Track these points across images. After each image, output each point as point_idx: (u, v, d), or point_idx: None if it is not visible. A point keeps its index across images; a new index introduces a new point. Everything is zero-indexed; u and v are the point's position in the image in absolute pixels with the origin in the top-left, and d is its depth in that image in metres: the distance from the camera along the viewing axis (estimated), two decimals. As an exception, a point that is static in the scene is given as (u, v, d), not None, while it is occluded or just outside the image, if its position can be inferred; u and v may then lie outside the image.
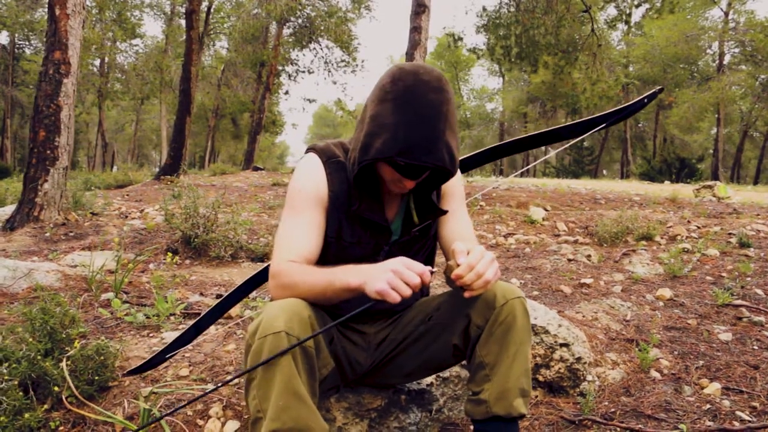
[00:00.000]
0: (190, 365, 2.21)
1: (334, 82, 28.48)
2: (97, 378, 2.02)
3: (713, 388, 2.21)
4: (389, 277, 1.24)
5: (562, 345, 2.24)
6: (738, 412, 2.02)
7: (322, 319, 1.46)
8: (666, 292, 3.34)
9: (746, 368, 2.39)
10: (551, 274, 3.89)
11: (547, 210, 6.65)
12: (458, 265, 1.28)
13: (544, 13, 12.15)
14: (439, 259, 1.99)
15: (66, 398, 1.92)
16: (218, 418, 1.89)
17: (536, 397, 2.20)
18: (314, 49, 21.95)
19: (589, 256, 4.40)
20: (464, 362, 1.69)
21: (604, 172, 46.41)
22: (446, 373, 2.01)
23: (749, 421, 1.97)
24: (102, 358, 2.06)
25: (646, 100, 1.67)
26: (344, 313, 1.39)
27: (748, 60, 26.44)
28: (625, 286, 3.55)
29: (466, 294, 1.30)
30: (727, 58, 27.98)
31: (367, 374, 1.69)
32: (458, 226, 1.63)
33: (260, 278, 2.02)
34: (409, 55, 8.79)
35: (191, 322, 2.26)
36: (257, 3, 18.81)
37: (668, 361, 2.48)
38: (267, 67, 22.03)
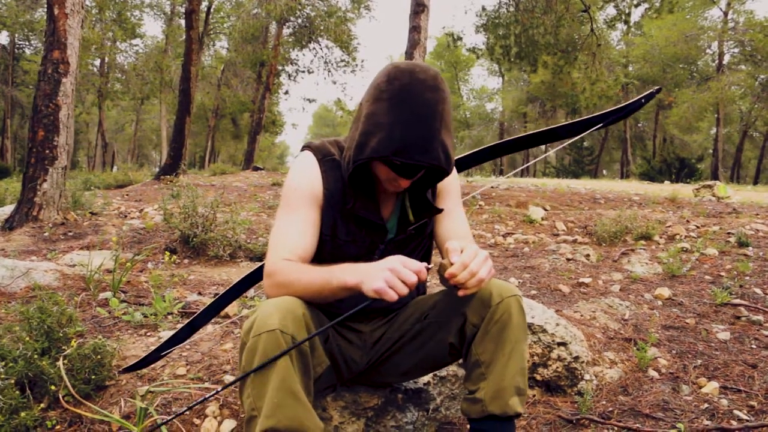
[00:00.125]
0: (187, 364, 2.21)
1: (334, 82, 28.53)
2: (94, 377, 2.02)
3: (711, 387, 2.21)
4: (387, 275, 1.24)
5: (559, 344, 2.24)
6: (736, 411, 2.02)
7: (317, 317, 1.46)
8: (664, 292, 3.33)
9: (744, 367, 2.39)
10: (550, 273, 3.89)
11: (546, 210, 6.65)
12: (451, 264, 1.27)
13: (543, 13, 12.15)
14: (436, 257, 1.99)
15: (63, 397, 1.92)
16: (215, 417, 1.89)
17: (534, 396, 2.20)
18: (314, 48, 21.97)
19: (588, 255, 4.39)
20: (461, 361, 1.69)
21: (604, 172, 46.41)
22: (443, 372, 2.01)
23: (747, 420, 1.97)
24: (99, 357, 2.06)
25: (643, 100, 1.66)
26: (340, 311, 1.39)
27: (747, 60, 26.44)
28: (624, 286, 3.55)
29: (460, 293, 1.30)
30: (726, 58, 27.98)
31: (363, 373, 1.69)
32: (454, 225, 1.63)
33: (255, 277, 2.01)
34: (409, 55, 8.79)
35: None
36: (257, 3, 18.82)
37: (666, 360, 2.48)
38: (267, 67, 22.04)
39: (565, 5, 12.18)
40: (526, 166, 2.03)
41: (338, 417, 1.75)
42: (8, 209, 5.87)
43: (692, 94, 26.31)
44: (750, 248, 4.35)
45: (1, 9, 22.44)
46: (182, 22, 23.19)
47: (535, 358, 2.22)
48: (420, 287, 1.73)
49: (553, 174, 38.33)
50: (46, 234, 4.97)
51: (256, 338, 1.26)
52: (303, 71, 23.90)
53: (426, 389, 1.94)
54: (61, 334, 2.09)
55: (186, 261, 4.24)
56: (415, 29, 8.77)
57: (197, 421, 1.88)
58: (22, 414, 1.77)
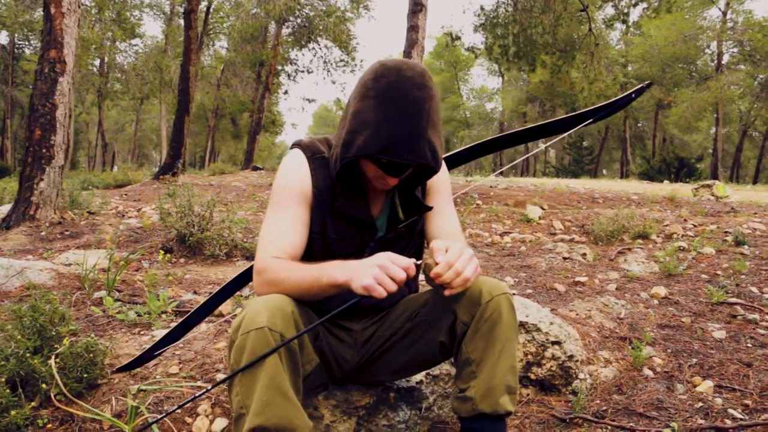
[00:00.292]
0: (180, 363, 2.20)
1: (333, 82, 28.54)
2: (86, 375, 2.01)
3: (706, 386, 2.20)
4: (375, 272, 1.24)
5: (553, 343, 2.23)
6: (730, 410, 2.01)
7: (306, 315, 1.45)
8: (660, 290, 3.33)
9: (739, 366, 2.38)
10: (546, 272, 3.88)
11: (543, 209, 6.64)
12: (436, 264, 1.27)
13: (541, 12, 12.14)
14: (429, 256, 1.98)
15: (55, 396, 1.91)
16: (206, 416, 1.88)
17: (528, 395, 2.19)
18: (313, 48, 21.98)
19: (585, 254, 4.39)
20: (452, 359, 1.69)
21: (604, 171, 46.41)
22: (436, 371, 2.00)
23: (741, 419, 1.96)
24: (91, 355, 2.05)
25: (633, 95, 1.66)
26: (329, 309, 1.38)
27: (746, 59, 26.43)
28: (620, 285, 3.54)
29: (446, 292, 1.29)
30: (725, 58, 27.98)
31: (354, 371, 1.69)
32: (444, 222, 1.62)
33: (249, 275, 2.01)
34: (407, 54, 8.78)
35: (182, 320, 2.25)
36: (256, 3, 18.82)
37: (661, 359, 2.47)
38: (266, 67, 22.04)
39: (564, 5, 12.17)
40: (511, 165, 2.03)
41: (329, 416, 1.74)
42: (5, 208, 5.86)
43: (691, 94, 26.30)
44: (747, 247, 4.34)
45: (0, 9, 22.44)
46: (182, 22, 23.20)
47: (529, 356, 2.21)
48: (411, 285, 1.73)
49: (552, 174, 38.34)
50: (43, 233, 4.97)
51: (244, 336, 1.26)
52: (302, 71, 23.92)
53: (419, 388, 1.94)
54: (54, 333, 2.09)
55: (182, 260, 4.23)
56: (413, 29, 8.77)
57: (189, 420, 1.88)
58: (13, 413, 1.76)
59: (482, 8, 14.01)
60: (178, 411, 1.91)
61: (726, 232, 4.97)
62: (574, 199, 8.07)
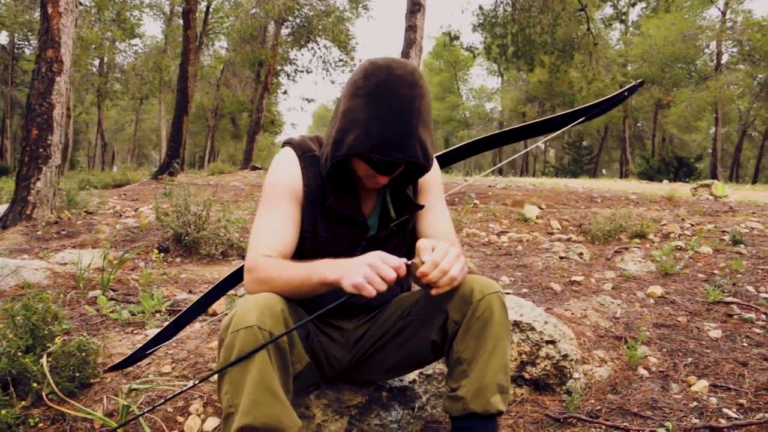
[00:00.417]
0: (173, 362, 2.20)
1: (333, 82, 28.54)
2: (78, 375, 2.01)
3: (701, 385, 2.19)
4: (365, 271, 1.23)
5: (548, 342, 2.22)
6: (725, 410, 2.00)
7: (296, 313, 1.44)
8: (657, 290, 3.32)
9: (735, 365, 2.37)
10: (542, 271, 3.87)
11: (541, 208, 6.63)
12: (423, 263, 1.26)
13: (540, 12, 12.13)
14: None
15: (46, 395, 1.91)
16: (198, 415, 1.88)
17: (522, 394, 2.18)
18: (312, 48, 21.97)
19: (581, 253, 4.38)
20: (444, 358, 1.68)
21: (604, 171, 46.42)
22: (429, 370, 1.99)
23: (736, 419, 1.95)
24: (83, 354, 2.05)
25: (626, 93, 1.65)
26: (320, 307, 1.38)
27: (745, 59, 26.43)
28: (616, 284, 3.53)
29: (433, 291, 1.29)
30: (724, 58, 27.98)
31: (346, 371, 1.68)
32: (436, 220, 1.61)
33: (240, 275, 2.00)
34: (405, 54, 8.77)
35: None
36: (255, 2, 18.81)
37: (656, 358, 2.46)
38: (265, 67, 22.03)
39: (562, 4, 12.17)
40: (499, 165, 2.01)
41: (321, 415, 1.73)
42: (2, 208, 5.85)
43: (691, 94, 26.31)
44: (744, 246, 4.34)
45: (0, 9, 22.43)
46: (181, 22, 23.20)
47: (524, 356, 2.20)
48: (403, 284, 1.72)
49: (552, 173, 38.35)
50: (39, 233, 4.96)
51: (233, 335, 1.26)
52: (301, 71, 23.91)
53: (411, 387, 1.93)
54: (46, 332, 2.08)
55: (178, 260, 4.23)
56: (411, 28, 8.76)
57: (180, 419, 1.87)
58: (3, 412, 1.76)
59: (481, 8, 14.02)
60: (170, 410, 1.90)
61: (724, 231, 4.96)
62: (573, 198, 8.07)
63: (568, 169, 38.39)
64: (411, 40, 8.77)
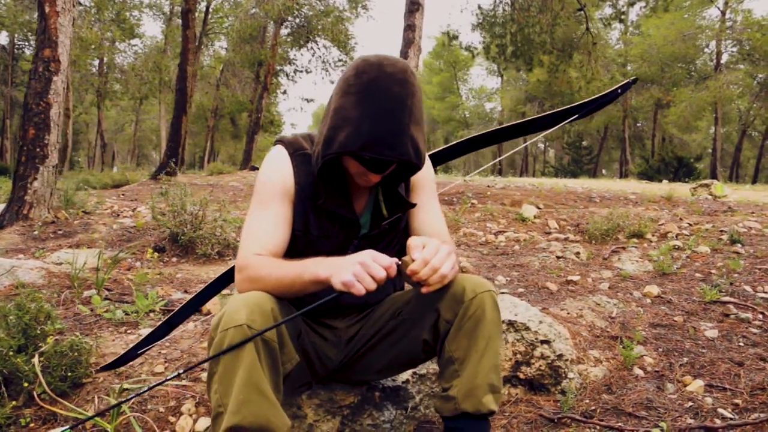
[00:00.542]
0: (165, 362, 2.19)
1: (332, 82, 28.43)
2: (70, 374, 2.00)
3: (696, 385, 2.18)
4: (356, 269, 1.23)
5: (543, 342, 2.21)
6: (720, 410, 1.99)
7: (287, 312, 1.43)
8: (653, 289, 3.31)
9: (731, 365, 2.36)
10: (539, 271, 3.86)
11: (539, 208, 6.62)
12: (413, 261, 1.25)
13: (539, 12, 12.12)
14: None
15: (38, 395, 1.90)
16: (190, 415, 1.87)
17: (516, 394, 2.17)
18: (312, 48, 21.97)
19: (578, 253, 4.37)
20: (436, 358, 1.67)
21: (603, 171, 46.41)
22: (423, 370, 1.98)
23: (731, 419, 1.94)
24: (76, 354, 2.04)
25: (619, 91, 1.64)
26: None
27: (745, 59, 26.43)
28: (613, 283, 3.52)
29: (424, 290, 1.28)
30: (724, 57, 27.98)
31: (338, 370, 1.67)
32: (429, 219, 1.61)
33: (232, 274, 1.99)
34: (403, 54, 8.77)
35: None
36: (255, 2, 18.81)
37: (652, 358, 2.45)
38: (265, 67, 22.03)
39: (561, 4, 12.16)
40: (491, 164, 2.00)
41: (313, 415, 1.72)
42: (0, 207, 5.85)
43: (690, 94, 26.30)
44: (742, 246, 4.32)
45: (0, 9, 22.44)
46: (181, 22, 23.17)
47: (518, 356, 2.19)
48: (396, 284, 1.71)
49: (551, 174, 38.34)
50: (36, 232, 4.95)
51: (223, 333, 1.25)
52: (301, 71, 23.92)
53: (405, 387, 1.92)
54: (39, 332, 2.07)
55: (174, 259, 4.22)
56: (410, 28, 8.75)
57: (172, 419, 1.87)
58: (-7, 411, 1.75)
59: (480, 7, 14.02)
60: (161, 410, 1.90)
61: (722, 231, 4.95)
62: (571, 198, 8.06)
63: (567, 169, 38.38)
64: (409, 40, 8.77)
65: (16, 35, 27.74)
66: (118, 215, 6.16)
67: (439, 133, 48.75)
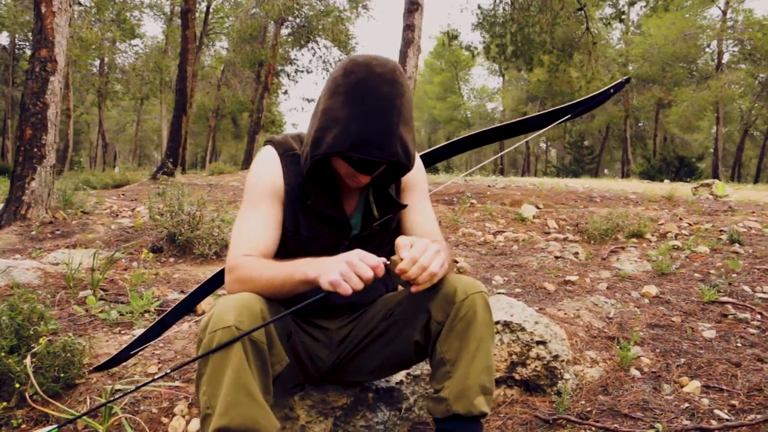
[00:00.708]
0: (159, 362, 2.18)
1: (333, 82, 28.43)
2: (63, 375, 1.99)
3: (693, 386, 2.16)
4: (343, 268, 1.22)
5: (538, 343, 2.20)
6: (716, 411, 1.98)
7: (276, 313, 1.42)
8: (652, 290, 3.29)
9: (728, 366, 2.35)
10: (537, 271, 3.85)
11: (539, 208, 6.60)
12: (402, 260, 1.24)
13: (539, 11, 12.10)
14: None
15: (30, 396, 1.89)
16: (183, 416, 1.86)
17: (512, 395, 2.16)
18: (312, 48, 21.98)
19: (577, 253, 4.35)
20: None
21: (605, 171, 46.37)
22: (417, 371, 1.97)
23: (727, 420, 1.93)
24: (69, 355, 2.03)
25: (612, 91, 1.63)
26: (303, 307, 1.36)
27: (747, 58, 26.37)
28: (611, 284, 3.51)
29: (413, 289, 1.27)
30: (725, 57, 27.93)
31: (330, 371, 1.66)
32: (420, 219, 1.59)
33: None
34: (403, 54, 8.76)
35: (161, 319, 2.23)
36: (255, 3, 18.81)
37: (649, 359, 2.44)
38: (265, 67, 22.03)
39: (561, 4, 12.13)
40: (482, 165, 1.99)
41: (305, 416, 1.71)
42: (-2, 208, 5.84)
43: (692, 93, 26.26)
44: (741, 246, 4.31)
45: (0, 9, 22.46)
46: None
47: (514, 356, 2.18)
48: (389, 284, 1.70)
49: (553, 173, 38.31)
50: (33, 232, 4.94)
51: (211, 335, 1.25)
52: (302, 71, 23.93)
53: (398, 388, 1.91)
54: (32, 332, 2.06)
55: (172, 259, 4.21)
56: (409, 27, 8.74)
57: (165, 420, 1.86)
58: (-16, 413, 1.74)
59: (480, 7, 14.00)
60: (154, 411, 1.89)
61: (721, 230, 4.93)
62: (572, 198, 8.04)
63: (569, 168, 38.33)
64: (409, 40, 8.76)
65: (16, 35, 27.78)
66: (117, 215, 6.15)
67: (440, 133, 48.75)
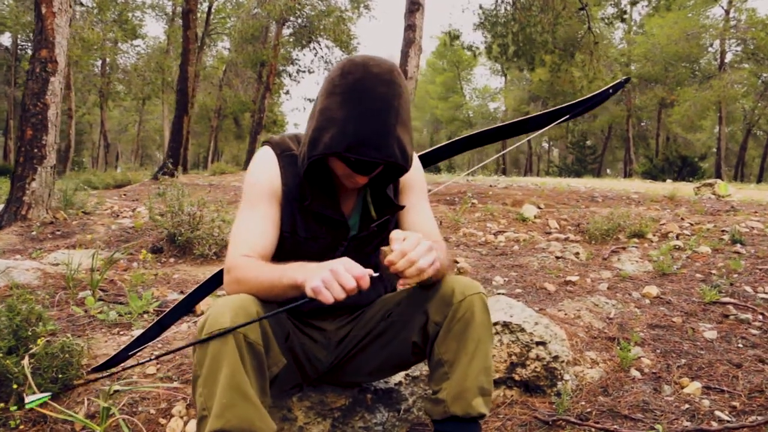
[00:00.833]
0: (157, 363, 2.17)
1: (334, 82, 28.45)
2: (61, 376, 1.99)
3: (694, 387, 2.15)
4: (325, 276, 1.20)
5: (538, 343, 2.19)
6: (717, 412, 1.97)
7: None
8: (653, 290, 3.28)
9: (729, 367, 2.33)
10: (537, 271, 3.83)
11: (540, 208, 6.59)
12: (392, 251, 1.23)
13: (540, 11, 12.09)
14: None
15: (27, 397, 1.88)
16: (181, 417, 1.85)
17: (512, 396, 2.15)
18: (314, 48, 21.99)
19: (578, 253, 4.34)
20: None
21: (608, 171, 46.29)
22: (416, 372, 1.96)
23: (728, 421, 1.91)
24: (67, 356, 2.02)
25: (611, 91, 1.62)
26: (296, 311, 1.35)
27: (749, 58, 26.31)
28: (612, 284, 3.49)
29: (400, 282, 1.26)
30: (728, 56, 27.87)
31: (329, 372, 1.65)
32: (418, 220, 1.58)
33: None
34: (404, 53, 8.76)
35: (160, 320, 2.22)
36: (257, 3, 18.82)
37: (650, 359, 2.43)
38: (267, 67, 22.05)
39: (563, 3, 12.12)
40: (477, 167, 1.98)
41: (303, 417, 1.70)
42: (-1, 208, 5.85)
43: (694, 93, 26.20)
44: (743, 246, 4.29)
45: (2, 10, 22.52)
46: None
47: (513, 357, 2.17)
48: (387, 285, 1.69)
49: (555, 173, 38.24)
50: (34, 233, 4.95)
51: (207, 336, 1.24)
52: (303, 71, 23.94)
53: (397, 389, 1.90)
54: (30, 333, 2.06)
55: (172, 260, 4.21)
56: (410, 27, 8.74)
57: (163, 421, 1.85)
58: (-18, 414, 1.73)
59: (481, 7, 14.00)
60: (152, 412, 1.88)
61: (723, 231, 4.91)
62: (573, 198, 8.02)
63: (571, 168, 38.25)
64: (410, 39, 8.75)
65: (18, 36, 27.85)
66: (118, 216, 6.16)
67: (442, 133, 48.72)
